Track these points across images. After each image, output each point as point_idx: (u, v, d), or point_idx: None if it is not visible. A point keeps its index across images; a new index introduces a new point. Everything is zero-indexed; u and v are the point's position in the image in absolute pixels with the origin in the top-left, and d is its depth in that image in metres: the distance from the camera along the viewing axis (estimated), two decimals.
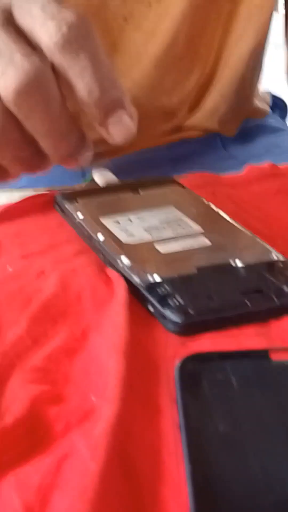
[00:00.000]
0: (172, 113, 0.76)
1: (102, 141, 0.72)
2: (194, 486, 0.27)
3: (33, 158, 0.42)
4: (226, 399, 0.33)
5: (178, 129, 0.77)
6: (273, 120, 0.91)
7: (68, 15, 0.39)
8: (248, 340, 0.38)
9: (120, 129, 0.41)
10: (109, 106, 0.40)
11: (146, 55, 0.71)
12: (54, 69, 0.39)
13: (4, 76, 0.38)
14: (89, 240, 0.47)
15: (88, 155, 0.43)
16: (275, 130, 0.87)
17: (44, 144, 0.41)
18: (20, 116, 0.39)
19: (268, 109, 0.91)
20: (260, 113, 0.89)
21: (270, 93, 0.97)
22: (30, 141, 0.41)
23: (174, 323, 0.38)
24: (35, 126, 0.40)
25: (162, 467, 0.29)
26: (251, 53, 0.76)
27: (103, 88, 0.39)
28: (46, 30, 0.39)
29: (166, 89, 0.72)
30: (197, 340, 0.38)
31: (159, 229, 0.47)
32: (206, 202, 0.52)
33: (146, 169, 0.73)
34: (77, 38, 0.39)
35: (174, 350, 0.37)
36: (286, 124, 0.94)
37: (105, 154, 0.73)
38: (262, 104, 0.91)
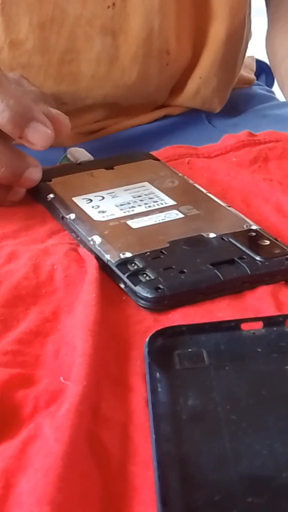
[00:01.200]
0: (153, 100, 0.75)
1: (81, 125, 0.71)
2: (159, 462, 0.27)
3: None
4: (196, 373, 0.33)
5: (161, 106, 0.76)
6: (259, 87, 0.89)
7: None
8: (220, 312, 0.37)
9: (38, 137, 0.47)
10: (22, 121, 0.47)
11: (122, 55, 0.69)
12: None
13: None
14: (61, 219, 0.47)
15: (34, 173, 0.49)
16: (261, 98, 0.85)
17: None
18: None
19: (253, 77, 0.90)
20: (245, 82, 0.87)
21: (254, 58, 0.95)
22: None
23: (145, 298, 0.38)
24: None
25: (130, 444, 0.29)
26: (228, 34, 0.74)
27: (11, 108, 0.46)
28: None
29: (145, 82, 0.71)
30: (169, 315, 0.37)
31: (131, 205, 0.47)
32: (180, 174, 0.52)
33: (128, 147, 0.72)
34: None
35: (146, 326, 0.37)
36: (273, 91, 0.92)
37: (86, 135, 0.73)
38: (247, 72, 0.89)
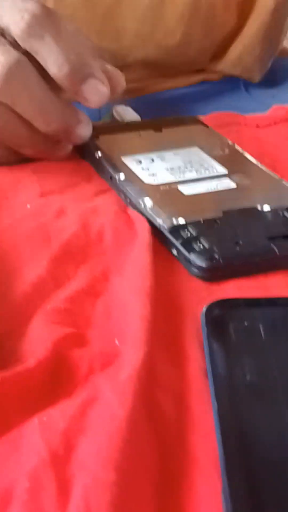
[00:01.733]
0: (194, 63, 0.74)
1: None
2: (223, 434, 0.26)
3: (41, 143, 0.48)
4: (253, 347, 0.32)
5: (201, 70, 0.75)
6: None
7: (29, 6, 0.45)
8: (275, 288, 0.37)
9: (94, 94, 0.46)
10: (79, 77, 0.45)
11: (167, 15, 0.68)
12: (28, 54, 0.45)
13: None
14: (110, 179, 0.46)
15: (85, 129, 0.48)
16: None
17: (38, 124, 0.46)
18: (9, 103, 0.44)
19: None
20: (284, 52, 0.85)
21: None
22: (27, 126, 0.46)
23: (199, 267, 0.37)
24: (25, 110, 0.45)
25: (189, 413, 0.28)
26: (277, 2, 0.73)
27: (71, 63, 0.45)
28: (13, 21, 0.45)
29: (188, 44, 0.70)
30: (222, 285, 0.37)
31: (182, 170, 0.46)
32: (230, 143, 0.51)
33: (166, 109, 0.71)
34: (39, 23, 0.45)
35: (198, 295, 0.36)
36: None
37: (125, 94, 0.71)
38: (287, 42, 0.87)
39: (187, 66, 0.74)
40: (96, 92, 0.46)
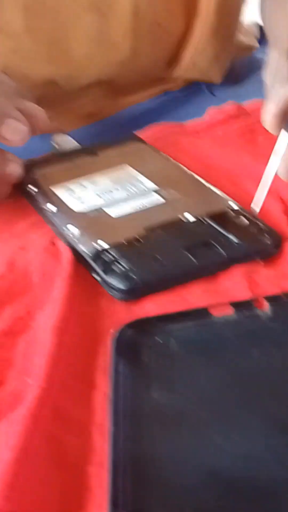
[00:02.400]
0: (149, 74, 0.74)
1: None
2: (113, 462, 0.26)
3: None
4: (162, 364, 0.32)
5: (159, 81, 0.75)
6: (262, 54, 0.87)
7: None
8: (194, 298, 0.36)
9: (13, 133, 0.47)
10: None
11: (112, 32, 0.68)
12: None
13: None
14: (42, 212, 0.46)
15: (15, 168, 0.49)
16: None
17: None
18: None
19: (255, 43, 0.87)
20: (247, 49, 0.85)
21: (257, 24, 0.92)
22: None
23: (118, 289, 0.37)
24: None
25: (90, 444, 0.28)
26: (220, 2, 0.72)
27: None
28: None
29: (139, 56, 0.70)
30: (142, 304, 0.37)
31: (111, 192, 0.46)
32: (164, 155, 0.51)
33: (129, 127, 0.71)
34: None
35: (119, 318, 0.36)
36: None
37: (85, 118, 0.72)
38: (249, 39, 0.87)
39: (143, 78, 0.74)
40: (14, 131, 0.47)
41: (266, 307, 0.34)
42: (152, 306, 0.36)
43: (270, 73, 0.54)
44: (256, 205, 0.42)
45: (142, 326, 0.34)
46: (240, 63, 0.82)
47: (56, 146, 0.56)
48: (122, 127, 0.71)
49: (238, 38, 0.84)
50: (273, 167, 0.42)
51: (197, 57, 0.74)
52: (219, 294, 0.36)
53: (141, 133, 0.56)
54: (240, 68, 0.82)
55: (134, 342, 0.33)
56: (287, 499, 0.25)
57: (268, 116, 0.43)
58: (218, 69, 0.77)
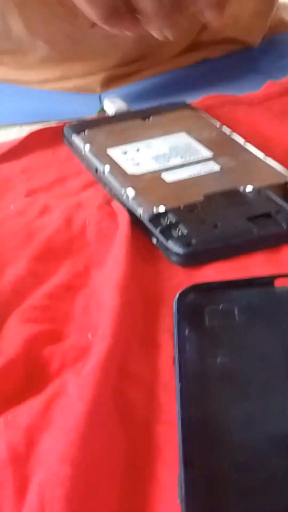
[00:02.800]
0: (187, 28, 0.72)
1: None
2: (183, 422, 0.26)
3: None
4: (226, 330, 0.32)
5: (197, 46, 0.73)
6: None
7: None
8: (255, 268, 0.36)
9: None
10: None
11: None
12: None
13: None
14: (96, 172, 0.46)
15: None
16: None
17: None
18: None
19: None
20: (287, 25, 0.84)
21: None
22: None
23: (177, 254, 0.37)
24: None
25: (156, 402, 0.28)
26: None
27: None
28: None
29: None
30: (202, 270, 0.37)
31: (167, 157, 0.46)
32: (219, 125, 0.50)
33: (167, 92, 0.70)
34: None
35: (177, 282, 0.36)
36: None
37: (124, 77, 0.71)
38: None
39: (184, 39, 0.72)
40: None
41: None
42: (213, 273, 0.36)
43: None
44: None
45: (205, 290, 0.33)
46: (281, 39, 0.81)
47: (106, 108, 0.55)
48: (160, 93, 0.70)
49: (279, 13, 0.83)
50: None
51: (239, 11, 0.73)
52: (283, 265, 0.36)
53: (193, 102, 0.55)
54: (280, 43, 0.80)
55: (198, 305, 0.33)
56: None
57: None
58: (259, 28, 0.75)
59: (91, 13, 0.43)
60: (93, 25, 0.44)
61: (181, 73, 0.74)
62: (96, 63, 0.68)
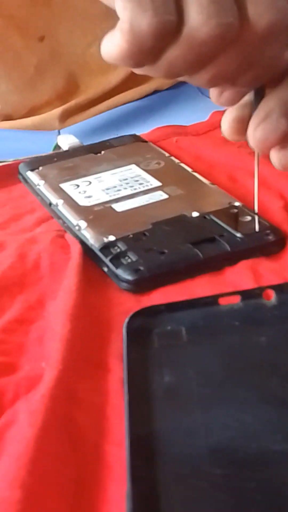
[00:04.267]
0: None
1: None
2: (131, 440, 0.27)
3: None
4: (174, 350, 0.33)
5: (148, 78, 0.75)
6: None
7: None
8: (201, 290, 0.38)
9: None
10: None
11: None
12: None
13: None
14: (49, 206, 0.47)
15: None
16: None
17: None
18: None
19: None
20: None
21: None
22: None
23: (126, 281, 0.38)
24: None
25: (105, 424, 0.29)
26: None
27: None
28: None
29: None
30: (151, 295, 0.38)
31: (117, 189, 0.47)
32: (166, 155, 0.52)
33: (118, 127, 0.72)
34: None
35: (127, 307, 0.37)
36: None
37: (81, 111, 0.72)
38: None
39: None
40: None
41: (271, 295, 0.35)
42: (161, 297, 0.38)
43: None
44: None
45: (154, 313, 0.35)
46: None
47: (60, 144, 0.57)
48: (113, 128, 0.72)
49: None
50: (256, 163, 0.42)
51: None
52: (226, 286, 0.38)
53: (143, 134, 0.57)
54: None
55: (145, 328, 0.34)
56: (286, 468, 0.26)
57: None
58: None
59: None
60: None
61: (133, 105, 0.77)
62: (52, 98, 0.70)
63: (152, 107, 0.75)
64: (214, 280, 0.38)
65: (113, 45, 0.31)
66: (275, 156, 0.37)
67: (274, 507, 0.25)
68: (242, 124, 0.37)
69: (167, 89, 0.77)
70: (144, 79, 0.76)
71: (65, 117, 0.70)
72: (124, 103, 0.75)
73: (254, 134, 0.35)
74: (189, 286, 0.38)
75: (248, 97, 0.36)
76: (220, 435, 0.28)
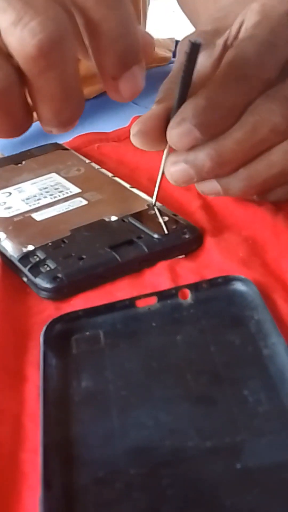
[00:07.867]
0: None
1: None
2: (45, 446, 0.27)
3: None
4: (92, 354, 0.33)
5: None
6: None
7: None
8: (120, 293, 0.38)
9: (132, 86, 0.36)
10: (129, 58, 0.35)
11: None
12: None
13: (24, 27, 0.31)
14: None
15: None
16: None
17: (47, 107, 0.35)
18: (31, 75, 0.33)
19: (169, 55, 0.90)
20: (161, 60, 0.88)
21: (174, 39, 0.95)
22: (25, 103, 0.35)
23: (45, 289, 0.38)
24: (45, 88, 0.33)
25: (22, 432, 0.29)
26: None
27: (128, 37, 0.34)
28: None
29: None
30: (71, 302, 0.38)
31: (37, 198, 0.47)
32: (87, 161, 0.52)
33: (44, 139, 0.72)
34: None
35: (47, 315, 0.37)
36: None
37: None
38: (164, 51, 0.90)
39: None
40: (134, 84, 0.36)
41: (187, 295, 0.35)
42: (81, 303, 0.38)
43: None
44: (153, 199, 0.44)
45: (72, 319, 0.35)
46: (155, 72, 0.85)
47: None
48: (39, 137, 0.72)
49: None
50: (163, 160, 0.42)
51: None
52: (145, 287, 0.38)
53: (66, 142, 0.57)
54: (154, 77, 0.84)
55: (63, 335, 0.34)
56: (209, 466, 0.26)
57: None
58: None
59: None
60: None
61: None
62: None
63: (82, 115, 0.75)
64: (134, 283, 0.39)
65: None
66: (168, 173, 0.41)
67: (189, 501, 0.25)
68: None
69: (94, 98, 0.77)
70: None
71: None
72: None
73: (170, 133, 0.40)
74: (109, 290, 0.38)
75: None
76: (135, 435, 0.28)
